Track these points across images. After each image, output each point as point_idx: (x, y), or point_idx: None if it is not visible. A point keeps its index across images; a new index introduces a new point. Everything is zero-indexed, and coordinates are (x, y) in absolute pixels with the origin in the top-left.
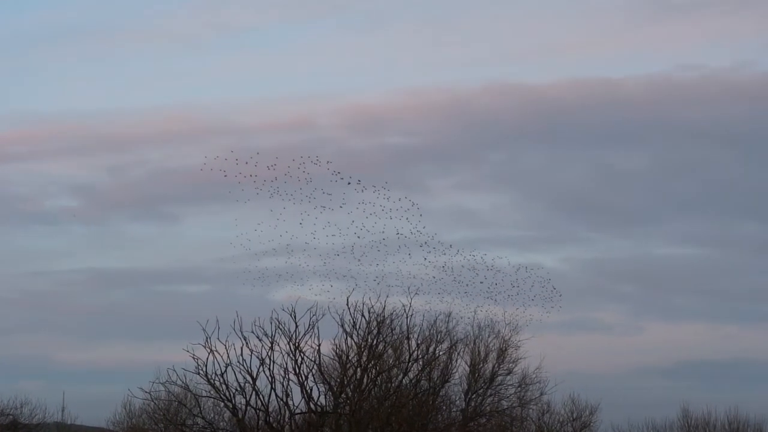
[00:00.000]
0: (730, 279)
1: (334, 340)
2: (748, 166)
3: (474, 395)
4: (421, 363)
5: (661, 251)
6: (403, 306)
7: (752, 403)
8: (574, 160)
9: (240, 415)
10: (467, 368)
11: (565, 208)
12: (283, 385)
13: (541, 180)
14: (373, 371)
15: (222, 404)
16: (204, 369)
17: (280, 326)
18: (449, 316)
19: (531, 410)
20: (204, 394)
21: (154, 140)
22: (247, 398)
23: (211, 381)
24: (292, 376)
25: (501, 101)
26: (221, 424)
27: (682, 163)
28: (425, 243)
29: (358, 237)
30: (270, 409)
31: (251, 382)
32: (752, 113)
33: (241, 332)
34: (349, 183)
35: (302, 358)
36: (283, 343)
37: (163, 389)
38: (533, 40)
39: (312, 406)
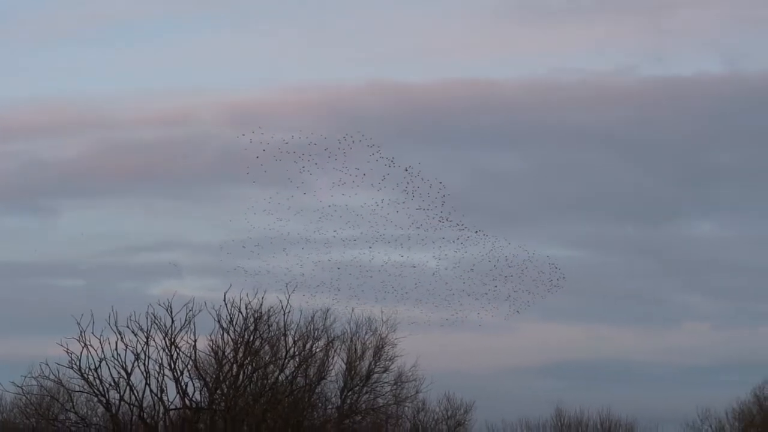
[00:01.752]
0: (605, 281)
1: (210, 335)
2: (626, 170)
3: (350, 393)
4: (297, 360)
5: (539, 251)
6: (281, 302)
7: (624, 404)
8: (452, 160)
9: (113, 411)
10: (344, 365)
11: (446, 209)
12: (158, 381)
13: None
14: (250, 368)
15: (95, 399)
16: (77, 363)
17: (156, 321)
18: (327, 312)
19: (406, 408)
20: (77, 388)
21: (29, 132)
22: (121, 393)
23: (85, 376)
24: (167, 372)
25: (381, 100)
26: (94, 419)
27: (561, 166)
28: (305, 240)
29: (238, 232)
30: (144, 405)
31: (126, 377)
32: (631, 117)
33: (117, 327)
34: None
35: (178, 354)
36: (158, 338)
37: (36, 384)
38: (414, 40)
39: (187, 401)
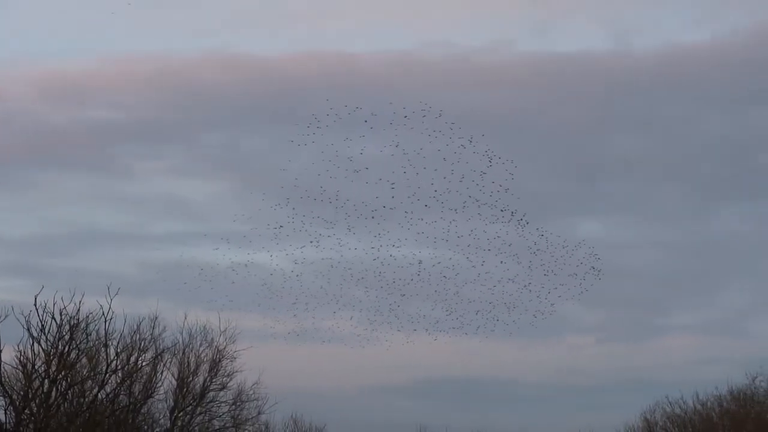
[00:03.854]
0: (476, 286)
1: (18, 346)
2: (498, 160)
3: (181, 413)
4: (120, 375)
5: (402, 251)
6: (102, 307)
7: (498, 426)
8: (305, 144)
9: None
10: (174, 382)
11: (294, 200)
12: None
13: (265, 166)
14: (64, 383)
15: None
16: None
17: None
18: (155, 320)
19: (246, 431)
20: None
21: None
22: None
23: None
24: None
25: (222, 74)
26: None
27: (424, 154)
28: (129, 235)
29: (50, 225)
30: None
31: None
32: (506, 99)
33: None
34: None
35: None
36: None
37: None
38: (262, 5)
39: None
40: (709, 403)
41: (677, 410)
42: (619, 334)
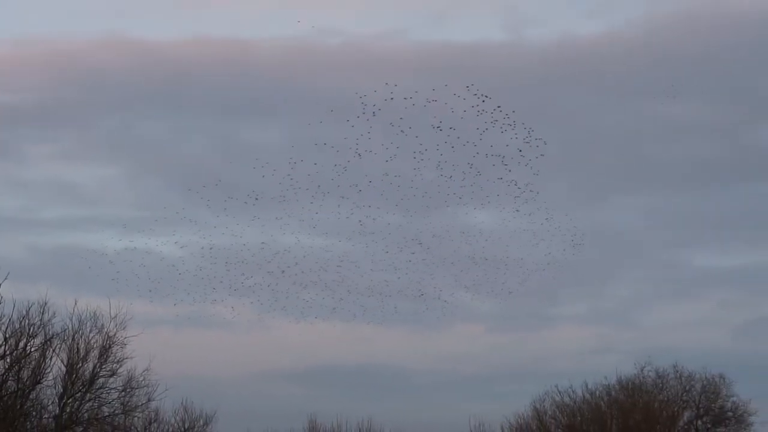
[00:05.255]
0: (366, 274)
1: None
2: (390, 149)
3: (70, 400)
4: (8, 360)
5: (292, 238)
6: None
7: (388, 415)
8: (198, 130)
9: None
10: (63, 368)
11: (186, 186)
12: None
13: (159, 152)
14: None
15: None
16: None
17: None
18: (45, 306)
19: (136, 418)
20: None
21: None
22: None
23: None
24: None
25: (115, 58)
26: None
27: (318, 142)
28: (20, 219)
29: None
30: None
31: None
32: (400, 87)
33: None
34: None
35: None
36: None
37: None
38: None
39: None
40: (597, 393)
41: (566, 399)
42: (510, 323)
